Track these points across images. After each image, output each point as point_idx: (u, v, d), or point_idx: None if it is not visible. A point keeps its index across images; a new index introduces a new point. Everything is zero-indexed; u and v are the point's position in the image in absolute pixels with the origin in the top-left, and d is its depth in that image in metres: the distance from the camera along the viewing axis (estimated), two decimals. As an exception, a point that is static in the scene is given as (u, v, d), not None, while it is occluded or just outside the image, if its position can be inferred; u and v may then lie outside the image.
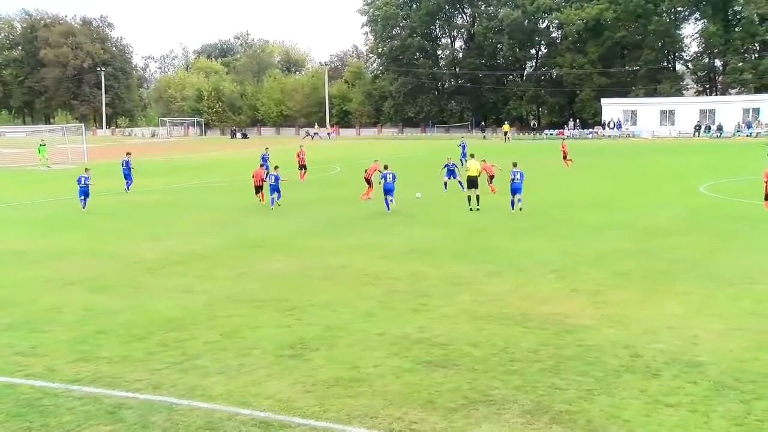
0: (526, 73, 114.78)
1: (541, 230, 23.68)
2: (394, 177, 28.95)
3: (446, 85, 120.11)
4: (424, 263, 18.54)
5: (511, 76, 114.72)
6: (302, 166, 42.27)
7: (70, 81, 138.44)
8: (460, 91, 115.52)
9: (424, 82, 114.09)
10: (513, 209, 27.75)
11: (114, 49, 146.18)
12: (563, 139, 53.42)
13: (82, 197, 31.08)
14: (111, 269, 18.53)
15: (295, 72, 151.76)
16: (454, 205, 30.54)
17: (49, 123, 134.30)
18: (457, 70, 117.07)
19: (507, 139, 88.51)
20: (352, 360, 11.45)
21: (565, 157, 47.06)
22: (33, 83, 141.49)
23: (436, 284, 16.35)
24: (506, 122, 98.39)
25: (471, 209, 28.18)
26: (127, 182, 37.97)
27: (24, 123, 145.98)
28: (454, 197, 32.92)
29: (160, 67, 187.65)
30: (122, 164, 38.83)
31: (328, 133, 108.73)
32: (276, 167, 31.64)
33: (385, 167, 29.82)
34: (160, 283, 16.97)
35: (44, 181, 45.36)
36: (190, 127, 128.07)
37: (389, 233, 23.49)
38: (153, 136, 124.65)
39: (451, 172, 35.14)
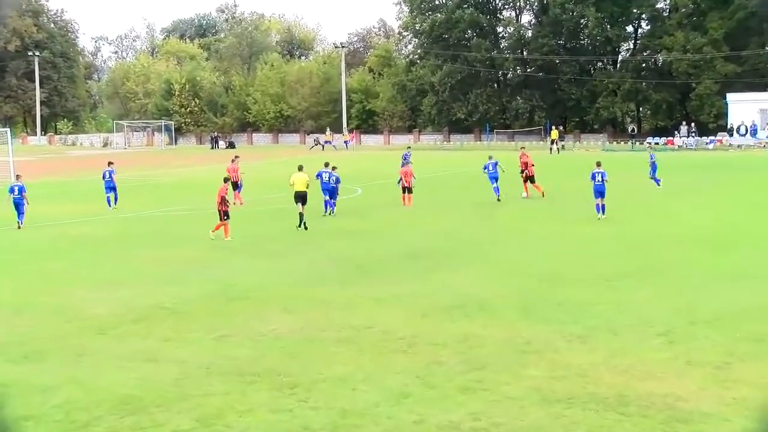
0: (620, 58, 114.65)
1: (641, 277, 23.50)
2: (337, 180, 37.99)
3: (510, 74, 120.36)
4: (478, 323, 18.46)
5: (599, 63, 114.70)
6: (236, 185, 43.51)
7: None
8: (529, 84, 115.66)
9: (479, 71, 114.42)
10: (599, 214, 34.98)
11: (52, 26, 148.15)
12: (522, 148, 54.39)
13: (17, 212, 35.48)
14: (44, 329, 18.63)
15: (300, 57, 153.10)
16: (516, 239, 30.48)
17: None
18: (524, 54, 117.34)
19: (555, 150, 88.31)
20: (378, 458, 11.38)
21: (530, 179, 47.36)
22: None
23: (496, 353, 16.25)
24: (554, 127, 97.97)
25: (299, 228, 33.65)
26: (111, 197, 42.32)
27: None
28: (518, 229, 32.89)
29: (115, 52, 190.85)
30: (104, 176, 42.96)
31: (346, 142, 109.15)
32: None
33: (326, 165, 38.57)
34: (112, 348, 17.02)
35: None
36: (155, 134, 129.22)
37: (429, 280, 23.42)
38: (105, 145, 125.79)
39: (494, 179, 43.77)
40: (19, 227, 35.37)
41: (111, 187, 42.75)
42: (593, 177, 35.56)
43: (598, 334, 17.41)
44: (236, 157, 45.74)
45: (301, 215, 34.14)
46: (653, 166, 48.56)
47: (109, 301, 21.17)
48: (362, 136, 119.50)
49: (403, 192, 42.15)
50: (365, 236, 32.31)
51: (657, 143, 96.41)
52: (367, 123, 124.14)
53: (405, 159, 53.06)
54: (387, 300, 20.92)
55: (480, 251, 28.36)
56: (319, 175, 38.19)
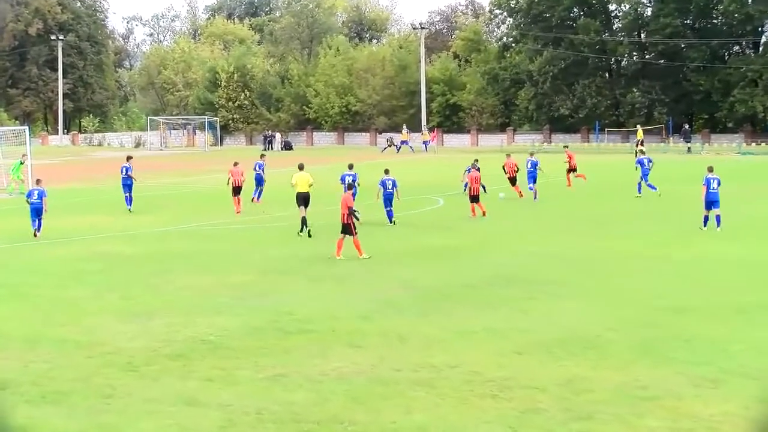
0: (764, 40, 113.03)
1: (787, 309, 23.22)
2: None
3: (624, 62, 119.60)
4: (584, 363, 18.38)
5: (736, 47, 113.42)
6: (237, 189, 46.85)
7: (8, 57, 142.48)
8: (648, 73, 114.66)
9: (587, 58, 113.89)
10: (705, 227, 36.46)
11: (78, 5, 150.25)
12: (566, 146, 64.35)
13: (35, 219, 37.82)
14: (65, 365, 18.83)
15: (370, 41, 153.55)
16: (631, 262, 30.30)
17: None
18: (642, 37, 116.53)
19: (640, 152, 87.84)
20: None
21: (573, 170, 55.74)
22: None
23: (606, 399, 16.17)
24: (639, 126, 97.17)
25: (301, 234, 36.88)
26: (127, 197, 47.26)
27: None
28: (631, 250, 32.64)
29: (151, 34, 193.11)
30: (122, 171, 47.99)
31: (425, 142, 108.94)
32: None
33: (350, 167, 41.93)
34: (145, 389, 17.17)
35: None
36: (197, 132, 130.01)
37: (526, 311, 23.38)
38: (138, 146, 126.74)
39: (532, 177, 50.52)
40: (35, 235, 37.47)
41: (126, 185, 47.44)
42: (707, 183, 36.74)
43: (733, 379, 17.21)
44: (236, 162, 48.41)
45: (303, 220, 37.30)
46: (645, 171, 50.48)
47: (141, 334, 21.36)
48: (444, 135, 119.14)
49: (472, 201, 42.95)
50: (448, 256, 32.31)
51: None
52: (450, 120, 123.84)
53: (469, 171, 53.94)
54: (475, 334, 20.89)
55: (588, 276, 28.21)
56: (342, 179, 41.04)
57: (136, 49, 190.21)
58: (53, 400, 16.58)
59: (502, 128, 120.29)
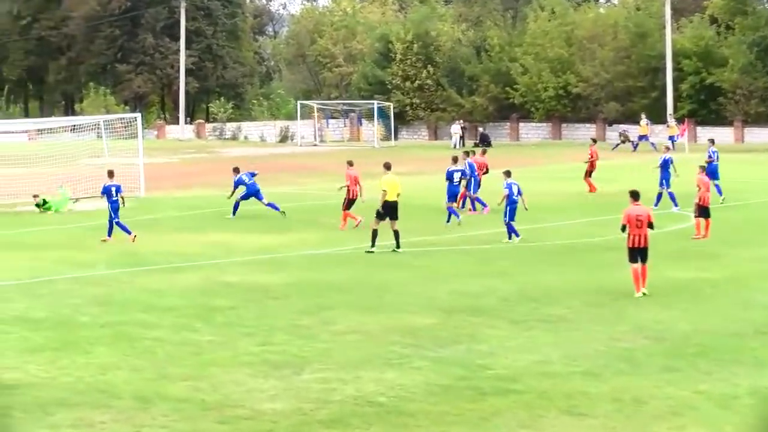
0: None
1: None
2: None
3: None
4: None
5: None
6: (351, 203, 47.52)
7: (116, 23, 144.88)
8: None
9: None
10: None
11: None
12: (594, 141, 68.97)
13: (119, 220, 41.74)
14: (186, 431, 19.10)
15: (597, 0, 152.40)
16: None
17: (72, 112, 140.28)
18: None
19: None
20: None
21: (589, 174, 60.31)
22: (47, 31, 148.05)
23: None
24: None
25: (371, 251, 39.51)
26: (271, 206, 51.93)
27: (26, 113, 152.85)
28: None
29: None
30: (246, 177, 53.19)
31: (671, 138, 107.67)
32: None
33: (454, 160, 47.65)
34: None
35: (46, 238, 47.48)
36: (362, 122, 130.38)
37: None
38: (284, 140, 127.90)
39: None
40: (132, 239, 41.91)
41: (259, 198, 52.49)
42: None
43: None
44: (350, 162, 50.21)
45: (396, 234, 40.03)
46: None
47: (286, 392, 21.60)
48: (698, 128, 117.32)
49: (698, 215, 42.82)
50: (704, 293, 32.24)
51: None
52: (706, 107, 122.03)
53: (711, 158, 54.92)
54: (737, 400, 20.82)
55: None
56: (449, 175, 47.03)
57: (282, 11, 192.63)
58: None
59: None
